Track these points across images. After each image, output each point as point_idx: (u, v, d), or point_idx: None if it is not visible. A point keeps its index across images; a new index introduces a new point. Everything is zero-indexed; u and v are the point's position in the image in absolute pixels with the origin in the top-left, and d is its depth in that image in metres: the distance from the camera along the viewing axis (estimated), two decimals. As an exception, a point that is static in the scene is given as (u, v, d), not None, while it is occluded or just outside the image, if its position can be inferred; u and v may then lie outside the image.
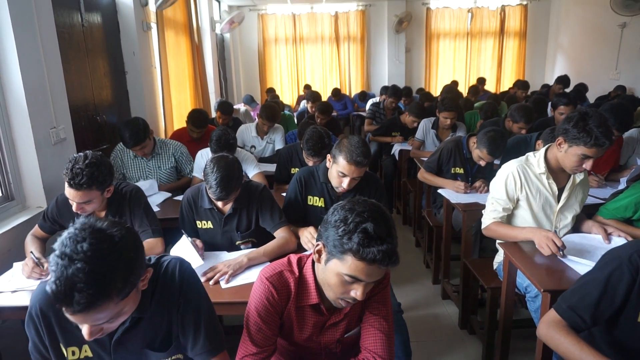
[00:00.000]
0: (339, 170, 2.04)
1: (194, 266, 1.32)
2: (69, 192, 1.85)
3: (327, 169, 2.19)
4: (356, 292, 1.16)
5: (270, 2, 8.76)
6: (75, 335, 1.04)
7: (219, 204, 2.06)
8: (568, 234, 2.14)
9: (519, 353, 2.40)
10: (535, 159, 2.09)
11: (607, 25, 6.88)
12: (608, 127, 1.85)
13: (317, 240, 1.23)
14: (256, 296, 1.31)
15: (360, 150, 1.97)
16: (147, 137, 2.90)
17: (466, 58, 9.41)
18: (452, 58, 9.47)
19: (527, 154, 2.15)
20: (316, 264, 1.29)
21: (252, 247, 2.08)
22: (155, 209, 2.52)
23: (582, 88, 5.89)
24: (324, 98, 7.60)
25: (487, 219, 2.16)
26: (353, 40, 9.35)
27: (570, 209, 2.12)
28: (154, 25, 4.50)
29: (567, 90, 5.93)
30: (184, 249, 1.91)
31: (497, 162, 2.99)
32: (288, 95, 9.52)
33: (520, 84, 6.57)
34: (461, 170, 3.10)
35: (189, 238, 1.95)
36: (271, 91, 8.10)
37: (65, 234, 0.97)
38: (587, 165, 1.91)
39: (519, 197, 2.10)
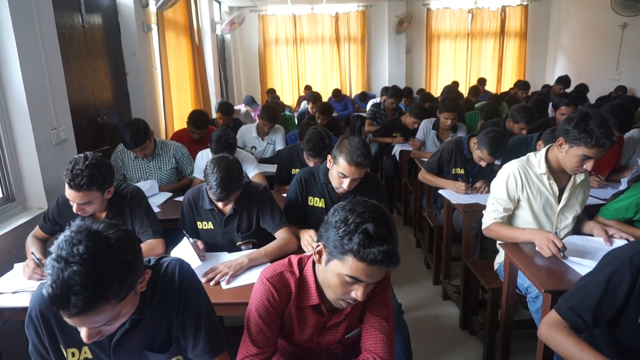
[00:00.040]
0: (340, 171, 2.04)
1: (192, 267, 1.32)
2: (69, 193, 1.85)
3: (328, 169, 2.19)
4: (357, 293, 1.16)
5: (270, 3, 8.77)
6: (74, 336, 1.04)
7: (220, 204, 2.06)
8: (569, 234, 2.14)
9: (519, 354, 2.40)
10: (536, 159, 2.09)
11: (607, 25, 6.88)
12: (609, 127, 1.84)
13: (317, 241, 1.23)
14: (257, 297, 1.31)
15: (361, 152, 1.97)
16: (147, 139, 2.90)
17: (467, 58, 9.41)
18: (453, 58, 9.47)
19: (527, 155, 2.15)
20: (317, 264, 1.29)
21: (253, 247, 2.08)
22: (156, 209, 2.52)
23: (582, 88, 5.89)
24: (325, 99, 7.61)
25: (488, 219, 2.16)
26: (353, 40, 9.35)
27: (571, 209, 2.12)
28: (154, 27, 4.50)
29: (568, 90, 5.93)
30: (184, 250, 1.91)
31: (497, 162, 2.99)
32: (288, 96, 9.53)
33: (521, 85, 6.58)
34: (462, 171, 3.10)
35: (191, 239, 1.95)
36: (272, 92, 8.11)
37: (61, 236, 0.96)
38: (588, 165, 1.90)
39: (520, 197, 2.10)
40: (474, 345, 2.58)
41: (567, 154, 1.94)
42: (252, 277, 1.76)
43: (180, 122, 4.97)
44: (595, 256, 1.77)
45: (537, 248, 1.87)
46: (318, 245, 1.22)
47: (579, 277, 1.57)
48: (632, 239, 1.91)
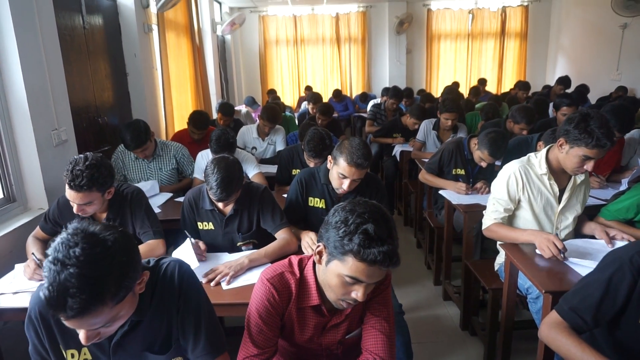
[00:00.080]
0: (340, 172, 2.04)
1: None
2: (69, 193, 1.85)
3: (328, 170, 2.19)
4: (357, 293, 1.16)
5: (271, 3, 8.78)
6: (74, 338, 1.03)
7: (220, 205, 2.06)
8: (570, 234, 2.14)
9: (520, 354, 2.40)
10: (537, 160, 2.09)
11: (608, 26, 6.88)
12: (609, 128, 1.84)
13: (317, 242, 1.23)
14: (257, 297, 1.31)
15: (361, 152, 1.97)
16: (148, 139, 2.91)
17: (467, 59, 9.41)
18: (453, 59, 9.47)
19: (528, 155, 2.15)
20: (317, 265, 1.29)
21: (253, 248, 2.08)
22: (157, 210, 2.52)
23: (583, 89, 5.89)
24: (325, 99, 7.60)
25: (488, 220, 2.15)
26: (354, 41, 9.36)
27: (572, 209, 2.11)
28: (155, 27, 4.51)
29: (568, 91, 5.93)
30: (184, 250, 1.92)
31: (498, 163, 2.99)
32: (289, 97, 9.53)
33: (522, 85, 6.58)
34: (462, 172, 3.10)
35: (192, 240, 1.95)
36: (272, 92, 8.11)
37: (58, 239, 0.96)
38: (589, 166, 1.90)
39: (521, 197, 2.10)
40: (475, 345, 2.58)
41: (568, 154, 1.94)
42: (253, 277, 1.76)
43: (180, 123, 4.97)
44: (595, 257, 1.77)
45: (537, 250, 1.87)
46: (318, 246, 1.22)
47: (579, 277, 1.57)
48: (633, 240, 1.91)
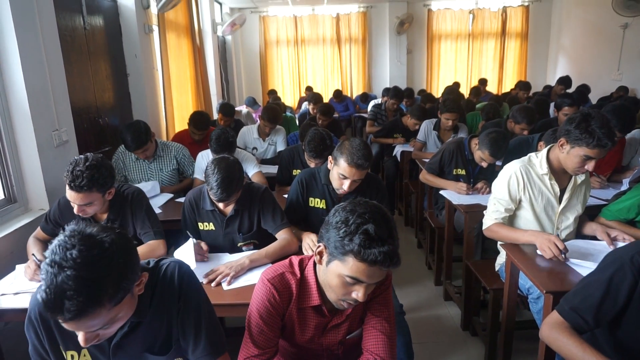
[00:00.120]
0: (340, 173, 2.04)
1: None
2: (69, 194, 1.85)
3: (329, 170, 2.19)
4: (357, 294, 1.16)
5: (271, 4, 8.78)
6: (74, 339, 1.03)
7: (221, 205, 2.06)
8: (570, 235, 2.14)
9: (521, 355, 2.40)
10: (538, 160, 2.09)
11: (608, 26, 6.87)
12: (610, 128, 1.84)
13: (318, 242, 1.23)
14: (258, 298, 1.31)
15: (362, 153, 1.97)
16: (148, 140, 2.91)
17: (468, 59, 9.41)
18: (454, 59, 9.47)
19: (529, 155, 2.15)
20: (317, 265, 1.29)
21: (254, 248, 2.08)
22: (157, 210, 2.52)
23: (584, 89, 5.88)
24: (326, 99, 7.61)
25: (489, 220, 2.15)
26: (354, 41, 9.36)
27: (572, 209, 2.11)
28: (155, 28, 4.51)
29: (569, 91, 5.92)
30: (184, 251, 1.92)
31: (499, 163, 2.99)
32: (290, 97, 9.54)
33: (522, 85, 6.58)
34: (463, 172, 3.10)
35: (195, 240, 1.95)
36: (273, 93, 8.12)
37: (55, 241, 0.96)
38: (590, 166, 1.90)
39: (522, 197, 2.09)
40: (476, 346, 2.58)
41: (569, 154, 1.93)
42: (253, 278, 1.76)
43: (181, 123, 4.98)
44: (597, 258, 1.76)
45: (538, 250, 1.87)
46: (319, 246, 1.21)
47: (580, 278, 1.57)
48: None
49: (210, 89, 6.44)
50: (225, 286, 1.73)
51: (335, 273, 1.16)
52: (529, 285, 2.02)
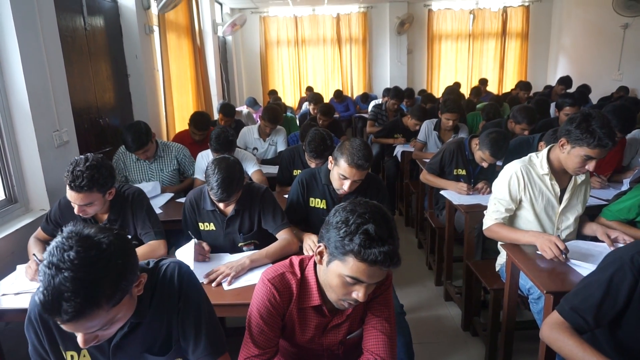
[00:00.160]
0: (340, 173, 2.04)
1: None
2: (70, 194, 1.85)
3: (329, 170, 2.19)
4: (358, 294, 1.16)
5: (272, 4, 8.79)
6: (73, 339, 1.03)
7: (221, 205, 2.06)
8: (571, 235, 2.14)
9: (522, 355, 2.39)
10: (538, 160, 2.09)
11: (609, 26, 6.87)
12: (611, 128, 1.84)
13: (318, 242, 1.23)
14: (258, 298, 1.31)
15: (362, 154, 1.97)
16: (149, 141, 2.91)
17: (468, 59, 9.41)
18: (454, 59, 9.48)
19: (529, 155, 2.15)
20: (318, 265, 1.29)
21: (255, 248, 2.08)
22: (158, 211, 2.53)
23: (585, 89, 5.88)
24: (326, 100, 7.60)
25: (489, 220, 2.15)
26: (355, 42, 9.36)
27: (573, 209, 2.11)
28: (156, 29, 4.52)
29: (570, 91, 5.92)
30: (185, 251, 1.92)
31: (499, 163, 2.99)
32: (290, 97, 9.54)
33: (523, 85, 6.58)
34: (463, 172, 3.10)
35: (196, 241, 1.96)
36: (273, 93, 8.13)
37: (53, 243, 0.96)
38: (590, 166, 1.90)
39: (522, 198, 2.09)
40: (476, 346, 2.58)
41: (569, 154, 1.93)
42: (254, 278, 1.76)
43: (181, 124, 4.98)
44: (597, 259, 1.75)
45: (538, 251, 1.87)
46: (319, 246, 1.22)
47: (581, 278, 1.57)
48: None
49: (210, 90, 6.44)
50: (225, 286, 1.73)
51: (336, 273, 1.16)
52: (529, 286, 2.02)
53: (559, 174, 2.07)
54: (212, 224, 2.12)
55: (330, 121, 4.58)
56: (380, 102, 6.55)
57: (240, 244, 2.11)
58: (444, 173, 3.15)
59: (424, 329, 2.73)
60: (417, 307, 3.01)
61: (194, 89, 5.77)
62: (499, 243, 2.19)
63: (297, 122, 5.64)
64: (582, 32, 7.96)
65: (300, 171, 2.78)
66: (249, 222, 2.09)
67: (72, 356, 1.19)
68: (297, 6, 8.90)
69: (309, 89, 8.60)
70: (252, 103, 7.12)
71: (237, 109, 5.73)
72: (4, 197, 2.52)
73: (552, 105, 4.62)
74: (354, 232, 1.09)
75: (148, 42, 4.36)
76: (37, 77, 2.54)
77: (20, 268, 1.92)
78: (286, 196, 2.42)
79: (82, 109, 3.40)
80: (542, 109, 4.44)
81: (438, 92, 8.86)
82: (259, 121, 4.12)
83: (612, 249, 1.91)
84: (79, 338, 1.00)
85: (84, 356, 1.20)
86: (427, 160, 3.42)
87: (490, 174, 2.96)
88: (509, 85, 9.04)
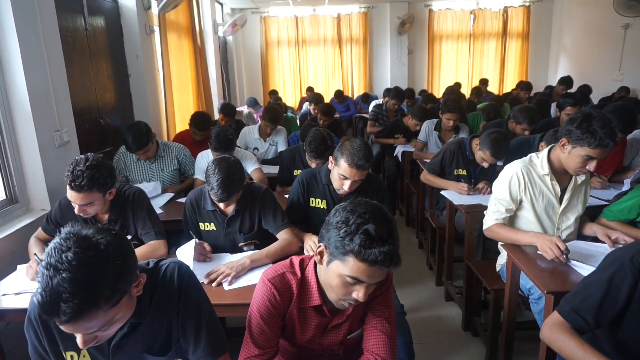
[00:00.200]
0: (341, 173, 2.04)
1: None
2: (70, 194, 1.85)
3: (329, 170, 2.19)
4: (358, 294, 1.16)
5: (272, 4, 8.79)
6: (73, 340, 1.03)
7: (222, 205, 2.06)
8: (572, 236, 2.14)
9: (522, 355, 2.39)
10: (539, 160, 2.09)
11: (610, 26, 6.86)
12: (612, 128, 1.84)
13: (319, 242, 1.23)
14: (258, 298, 1.31)
15: (362, 154, 1.97)
16: (149, 141, 2.91)
17: (469, 59, 9.41)
18: (455, 59, 9.47)
19: (530, 155, 2.15)
20: (318, 265, 1.29)
21: (255, 248, 2.08)
22: (158, 211, 2.53)
23: (585, 89, 5.88)
24: (327, 100, 7.60)
25: (489, 220, 2.15)
26: (355, 42, 9.36)
27: (573, 210, 2.11)
28: (156, 29, 4.52)
29: (570, 91, 5.91)
30: (185, 250, 1.92)
31: (500, 163, 2.99)
32: (290, 98, 9.54)
33: (523, 85, 6.57)
34: (464, 172, 3.09)
35: (197, 241, 1.96)
36: (274, 93, 8.13)
37: (51, 244, 0.96)
38: (591, 166, 1.90)
39: (522, 198, 2.09)
40: (477, 346, 2.58)
41: (570, 154, 1.93)
42: (254, 278, 1.76)
43: (182, 124, 4.98)
44: (598, 260, 1.74)
45: (539, 251, 1.86)
46: (319, 246, 1.22)
47: (581, 278, 1.57)
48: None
49: (211, 90, 6.44)
50: (226, 286, 1.73)
51: (336, 273, 1.16)
52: (530, 286, 2.01)
53: (560, 174, 2.07)
54: (212, 224, 2.12)
55: (331, 121, 4.58)
56: (380, 102, 6.55)
57: (240, 244, 2.11)
58: (445, 173, 3.15)
59: (425, 329, 2.73)
60: (418, 307, 3.01)
61: (195, 89, 5.77)
62: (500, 243, 2.19)
63: (298, 122, 5.64)
64: (583, 32, 7.95)
65: (300, 171, 2.78)
66: (249, 222, 2.09)
67: (71, 356, 1.19)
68: (297, 6, 8.90)
69: (310, 89, 8.60)
70: (253, 103, 7.12)
71: (237, 109, 5.73)
72: (4, 197, 2.52)
73: (553, 105, 4.61)
74: (354, 232, 1.09)
75: (149, 42, 4.36)
76: (38, 77, 2.54)
77: (21, 268, 1.92)
78: (287, 196, 2.42)
79: (83, 109, 3.40)
80: (543, 109, 4.43)
81: (439, 92, 8.86)
82: (260, 121, 4.12)
83: (613, 249, 1.91)
84: (78, 339, 1.00)
85: (84, 356, 1.19)
86: (428, 161, 3.42)
87: (490, 174, 2.96)
88: (509, 86, 9.03)
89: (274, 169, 3.47)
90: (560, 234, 2.11)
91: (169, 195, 2.90)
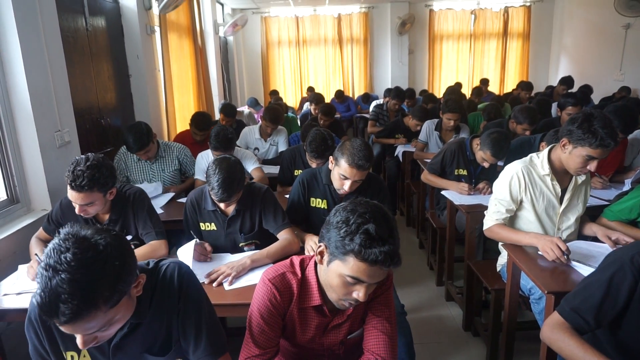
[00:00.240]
0: (341, 173, 2.04)
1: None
2: (71, 194, 1.86)
3: (330, 170, 2.19)
4: (358, 294, 1.16)
5: (273, 4, 8.79)
6: (73, 340, 1.03)
7: (222, 205, 2.06)
8: (572, 236, 2.13)
9: (523, 355, 2.39)
10: (539, 160, 2.09)
11: (610, 26, 6.85)
12: (613, 128, 1.84)
13: (319, 242, 1.23)
14: (259, 298, 1.31)
15: (363, 154, 1.97)
16: (150, 141, 2.91)
17: (469, 59, 9.40)
18: (456, 59, 9.46)
19: (530, 155, 2.14)
20: (318, 265, 1.29)
21: (256, 248, 2.08)
22: (159, 211, 2.53)
23: (586, 89, 5.88)
24: (327, 100, 7.60)
25: (490, 220, 2.15)
26: (356, 42, 9.36)
27: (574, 210, 2.11)
28: (157, 29, 4.52)
29: (571, 91, 5.91)
30: (186, 250, 1.92)
31: (500, 163, 2.98)
32: (291, 98, 9.55)
33: (524, 85, 6.57)
34: (464, 172, 3.09)
35: (198, 241, 1.96)
36: (274, 93, 8.13)
37: (50, 245, 0.96)
38: (592, 166, 1.90)
39: (523, 198, 2.09)
40: (477, 346, 2.58)
41: (571, 154, 1.93)
42: (255, 278, 1.77)
43: (183, 124, 4.99)
44: (598, 260, 1.74)
45: (539, 252, 1.86)
46: (320, 246, 1.22)
47: (582, 278, 1.57)
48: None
49: (212, 90, 6.44)
50: (226, 286, 1.73)
51: (336, 273, 1.16)
52: (530, 286, 2.01)
53: (560, 174, 2.06)
54: (213, 224, 2.12)
55: (332, 121, 4.59)
56: (381, 102, 6.54)
57: (241, 244, 2.12)
58: (445, 173, 3.15)
59: (425, 329, 2.73)
60: (418, 307, 3.01)
61: (195, 89, 5.77)
62: (500, 243, 2.19)
63: (298, 122, 5.65)
64: (584, 32, 7.94)
65: (301, 171, 2.78)
66: (250, 222, 2.10)
67: (72, 356, 1.19)
68: (298, 6, 8.90)
69: (310, 89, 8.60)
70: (254, 103, 7.12)
71: (238, 109, 5.74)
72: (5, 198, 2.53)
73: (554, 105, 4.61)
74: (355, 232, 1.10)
75: (149, 42, 4.36)
76: (39, 77, 2.54)
77: (22, 268, 1.93)
78: (287, 196, 2.42)
79: (84, 109, 3.41)
80: (544, 109, 4.43)
81: (439, 92, 8.86)
82: (260, 121, 4.12)
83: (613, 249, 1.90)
84: (78, 339, 1.00)
85: (84, 356, 1.20)
86: (428, 161, 3.42)
87: (491, 174, 2.96)
88: (510, 86, 9.02)
89: (274, 169, 3.47)
90: (561, 234, 2.11)
91: (169, 195, 2.90)
